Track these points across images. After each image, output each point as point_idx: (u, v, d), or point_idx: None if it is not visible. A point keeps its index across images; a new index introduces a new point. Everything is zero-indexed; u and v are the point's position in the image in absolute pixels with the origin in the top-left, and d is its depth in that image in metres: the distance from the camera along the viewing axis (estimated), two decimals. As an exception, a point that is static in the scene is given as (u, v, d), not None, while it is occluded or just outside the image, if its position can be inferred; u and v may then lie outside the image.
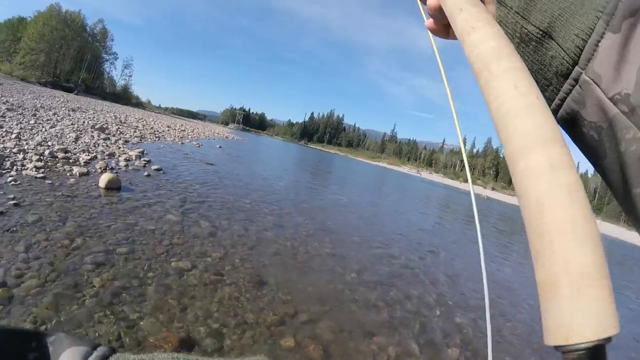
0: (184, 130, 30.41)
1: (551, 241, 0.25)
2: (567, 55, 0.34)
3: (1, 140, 7.66)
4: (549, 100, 0.37)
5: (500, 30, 0.39)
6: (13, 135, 8.42)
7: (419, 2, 0.53)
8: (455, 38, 0.45)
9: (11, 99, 17.33)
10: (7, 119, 10.69)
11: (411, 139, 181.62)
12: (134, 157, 9.98)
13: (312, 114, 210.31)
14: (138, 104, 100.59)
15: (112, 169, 7.94)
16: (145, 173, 8.34)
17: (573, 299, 0.23)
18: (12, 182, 5.33)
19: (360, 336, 3.58)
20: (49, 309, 2.76)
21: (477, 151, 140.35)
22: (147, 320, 2.95)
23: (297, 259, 5.36)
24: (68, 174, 6.63)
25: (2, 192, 4.78)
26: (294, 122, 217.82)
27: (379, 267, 6.02)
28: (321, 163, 41.32)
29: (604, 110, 0.31)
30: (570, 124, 0.36)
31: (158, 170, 9.16)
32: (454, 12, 0.43)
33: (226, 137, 42.01)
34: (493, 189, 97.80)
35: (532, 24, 0.37)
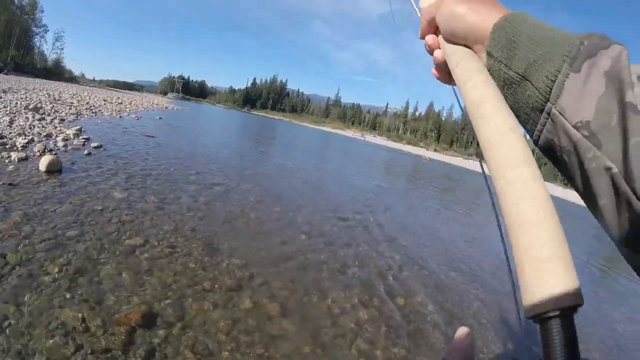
0: (122, 103, 28.97)
1: (525, 233, 0.33)
2: (540, 93, 0.40)
3: None
4: (530, 132, 0.44)
5: (488, 79, 0.47)
6: None
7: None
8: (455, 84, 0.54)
9: None
10: None
11: (355, 103, 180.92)
12: (72, 136, 9.53)
13: (255, 79, 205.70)
14: (71, 79, 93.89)
15: (51, 150, 7.54)
16: (86, 152, 8.03)
17: (541, 279, 0.30)
18: None
19: (314, 291, 3.79)
20: (8, 303, 2.73)
21: (420, 114, 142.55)
22: (107, 300, 2.98)
23: (248, 225, 5.47)
24: (6, 160, 6.26)
25: None
26: (236, 89, 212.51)
27: (326, 227, 6.24)
28: (265, 129, 40.92)
29: (570, 136, 0.37)
30: (548, 150, 0.42)
31: (98, 147, 8.85)
32: (454, 64, 0.52)
33: (166, 107, 40.48)
34: (435, 150, 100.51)
35: (512, 70, 0.44)
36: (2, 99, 15.33)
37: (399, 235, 6.79)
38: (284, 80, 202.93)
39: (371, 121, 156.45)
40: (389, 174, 21.23)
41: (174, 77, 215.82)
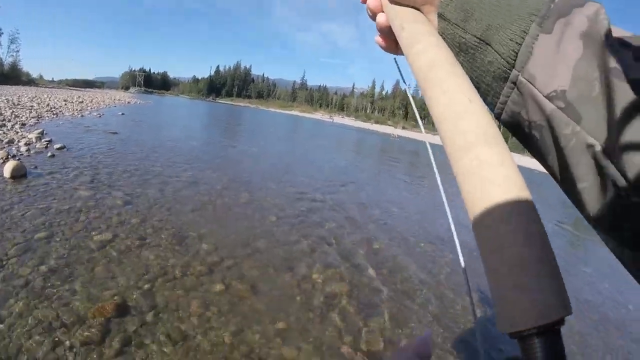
0: (82, 102, 28.51)
1: (492, 235, 0.27)
2: (504, 59, 0.36)
3: None
4: (492, 105, 0.39)
5: (440, 41, 0.42)
6: None
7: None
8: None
9: None
10: None
11: (322, 85, 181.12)
12: (34, 140, 9.42)
13: (218, 67, 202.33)
14: (29, 82, 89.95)
15: (14, 156, 7.44)
16: (49, 154, 7.94)
17: (519, 288, 0.25)
18: None
19: (284, 270, 3.94)
20: None
21: (387, 93, 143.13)
22: (80, 295, 3.05)
23: (216, 211, 5.57)
24: None
25: None
26: (200, 78, 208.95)
27: (294, 209, 6.36)
28: (231, 117, 40.56)
29: (542, 108, 0.33)
30: (514, 125, 0.38)
31: (61, 148, 8.78)
32: (399, 28, 0.46)
33: (128, 102, 39.74)
34: (404, 127, 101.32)
35: (469, 33, 0.39)
36: (-45, 113, 14.94)
37: (368, 212, 7.00)
38: (248, 67, 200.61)
39: (339, 102, 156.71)
40: (358, 154, 21.46)
41: (134, 70, 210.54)
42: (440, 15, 0.42)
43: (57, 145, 8.88)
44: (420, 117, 0.55)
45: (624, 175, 0.26)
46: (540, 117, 0.33)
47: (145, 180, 6.82)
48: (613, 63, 0.29)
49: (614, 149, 0.27)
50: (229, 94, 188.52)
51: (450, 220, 0.41)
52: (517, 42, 0.34)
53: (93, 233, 4.19)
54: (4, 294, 2.97)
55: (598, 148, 0.28)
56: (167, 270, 3.58)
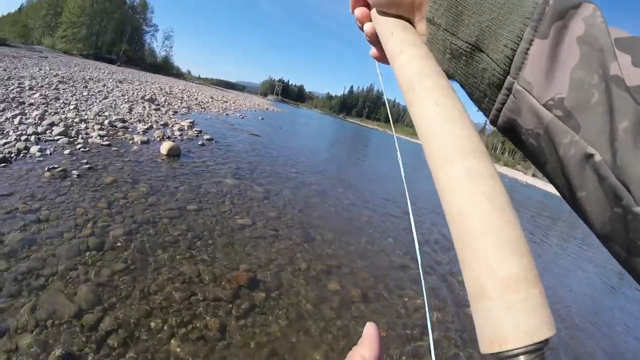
0: (227, 102, 30.66)
1: (476, 251, 0.26)
2: (498, 66, 0.34)
3: (62, 111, 8.38)
4: (487, 112, 0.38)
5: (426, 51, 0.41)
6: (71, 106, 9.09)
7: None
8: None
9: (60, 72, 17.97)
10: (61, 91, 11.41)
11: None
12: (186, 127, 10.62)
13: (352, 87, 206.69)
14: (179, 75, 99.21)
15: (169, 137, 8.59)
16: (199, 142, 9.01)
17: (503, 306, 0.24)
18: (82, 149, 6.01)
19: (394, 289, 4.17)
20: (136, 252, 3.46)
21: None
22: (219, 263, 3.65)
23: (341, 222, 5.97)
24: (130, 142, 7.40)
25: (75, 158, 5.49)
26: (333, 95, 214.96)
27: (404, 240, 6.21)
28: (358, 136, 41.13)
29: (539, 117, 0.32)
30: (510, 132, 0.36)
31: (210, 140, 9.80)
32: (386, 37, 0.45)
33: (266, 108, 41.96)
34: (534, 175, 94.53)
35: (460, 39, 0.38)
36: (120, 88, 17.16)
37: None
38: (380, 90, 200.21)
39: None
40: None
41: (274, 79, 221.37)
42: (430, 21, 0.41)
43: (206, 136, 9.96)
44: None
45: (624, 185, 0.25)
46: (537, 125, 0.32)
47: (282, 181, 7.48)
48: (612, 69, 0.28)
49: (614, 159, 0.26)
50: (359, 114, 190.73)
51: (416, 240, 0.43)
52: (511, 48, 0.33)
53: (236, 216, 4.87)
54: (153, 246, 3.66)
55: (598, 158, 0.27)
56: (293, 261, 4.07)
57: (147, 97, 15.30)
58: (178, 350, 2.48)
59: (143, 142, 7.52)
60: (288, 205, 5.97)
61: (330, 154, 15.82)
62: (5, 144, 5.25)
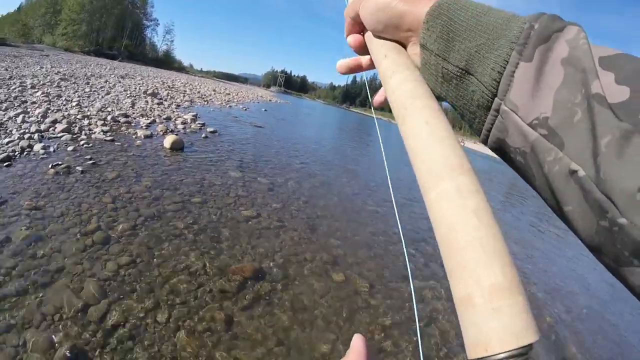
0: (229, 94, 30.71)
1: (463, 262, 0.28)
2: (486, 88, 0.36)
3: (64, 108, 8.46)
4: (478, 131, 0.40)
5: (418, 74, 0.43)
6: (74, 103, 9.21)
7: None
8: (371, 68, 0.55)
9: (61, 69, 18.07)
10: (63, 88, 11.52)
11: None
12: (189, 121, 10.68)
13: (355, 77, 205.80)
14: (181, 69, 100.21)
15: (172, 131, 8.66)
16: (203, 135, 9.06)
17: (488, 313, 0.25)
18: (85, 145, 6.08)
19: (400, 279, 4.15)
20: (142, 246, 3.49)
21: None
22: (225, 255, 3.68)
23: (346, 212, 5.96)
24: (133, 136, 7.48)
25: (78, 154, 5.55)
26: (336, 85, 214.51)
27: (421, 227, 6.17)
28: (362, 126, 40.95)
29: (525, 135, 0.33)
30: (500, 150, 0.38)
31: (213, 132, 9.85)
32: (379, 59, 0.48)
33: (269, 100, 41.89)
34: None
35: (451, 64, 0.39)
36: (122, 84, 17.26)
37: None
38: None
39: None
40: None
41: (276, 71, 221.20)
42: (423, 46, 0.43)
43: (210, 129, 10.00)
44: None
45: (609, 197, 0.26)
46: (524, 144, 0.34)
47: (285, 172, 7.50)
48: (594, 88, 0.29)
49: (598, 173, 0.27)
50: (363, 104, 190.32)
51: (403, 241, 0.48)
52: (498, 71, 0.34)
53: (241, 208, 4.90)
54: (159, 239, 3.69)
55: (582, 173, 0.28)
56: (298, 252, 4.08)
57: (149, 92, 15.39)
58: (185, 342, 2.50)
59: (146, 137, 7.58)
60: (292, 196, 5.99)
61: (334, 144, 15.80)
62: (8, 142, 5.28)
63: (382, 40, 0.48)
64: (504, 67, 0.34)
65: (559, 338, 3.95)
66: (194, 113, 12.05)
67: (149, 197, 4.59)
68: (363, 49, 0.55)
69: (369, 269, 4.16)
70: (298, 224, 4.84)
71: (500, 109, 0.35)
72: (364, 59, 0.57)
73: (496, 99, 0.35)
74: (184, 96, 18.58)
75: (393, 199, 0.49)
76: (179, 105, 14.29)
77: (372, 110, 0.66)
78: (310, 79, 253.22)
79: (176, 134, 7.96)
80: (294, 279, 3.56)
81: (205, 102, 18.80)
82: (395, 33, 0.47)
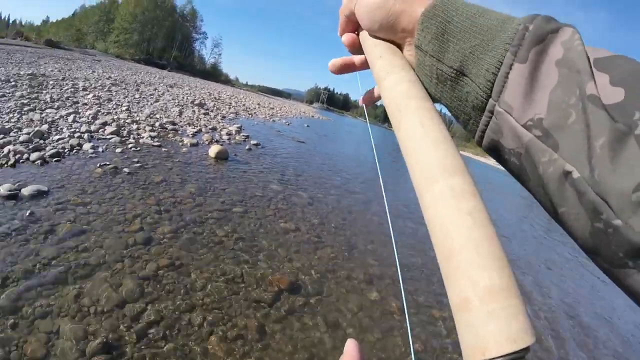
0: (273, 108, 31.12)
1: (458, 264, 0.28)
2: (480, 89, 0.36)
3: (114, 112, 8.79)
4: (472, 133, 0.40)
5: (412, 75, 0.43)
6: (124, 108, 9.56)
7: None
8: (364, 68, 0.55)
9: (112, 75, 18.80)
10: (114, 93, 11.99)
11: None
12: (233, 132, 10.88)
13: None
14: (227, 81, 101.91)
15: (217, 141, 8.82)
16: (247, 147, 9.22)
17: (485, 316, 0.25)
18: (133, 148, 6.29)
19: (435, 301, 4.03)
20: (182, 249, 3.54)
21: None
22: (263, 264, 3.68)
23: (384, 233, 5.82)
24: (180, 143, 7.68)
25: (126, 156, 5.74)
26: (379, 104, 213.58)
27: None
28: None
29: (519, 137, 0.33)
30: (495, 152, 0.38)
31: (257, 145, 9.98)
32: (374, 59, 0.47)
33: (312, 116, 42.17)
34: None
35: (446, 65, 0.39)
36: (170, 92, 17.83)
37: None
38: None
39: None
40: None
41: (320, 88, 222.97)
42: (418, 47, 0.43)
43: (253, 142, 10.15)
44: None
45: (603, 199, 0.26)
46: (518, 145, 0.34)
47: (326, 189, 7.50)
48: (588, 89, 0.29)
49: (592, 175, 0.27)
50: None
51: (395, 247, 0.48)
52: (492, 72, 0.35)
53: (280, 220, 4.91)
54: (199, 244, 3.74)
55: (576, 174, 0.28)
56: (335, 269, 4.03)
57: (196, 102, 15.81)
58: (216, 347, 2.49)
59: (192, 145, 7.76)
60: (331, 213, 5.95)
61: (374, 163, 15.67)
62: (59, 139, 5.52)
63: (377, 40, 0.49)
64: (498, 68, 0.34)
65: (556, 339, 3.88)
66: (239, 125, 12.25)
67: (192, 203, 4.67)
68: (357, 49, 0.55)
69: (409, 291, 4.06)
70: (336, 241, 4.80)
71: (494, 110, 0.35)
72: (357, 58, 0.56)
73: (490, 100, 0.35)
74: (229, 108, 18.96)
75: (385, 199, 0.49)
76: (224, 117, 14.59)
77: (365, 114, 0.65)
78: (352, 97, 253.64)
79: (221, 144, 8.10)
80: (328, 295, 3.51)
81: (250, 115, 19.13)
82: (391, 33, 0.47)
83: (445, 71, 0.39)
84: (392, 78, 0.43)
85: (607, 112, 0.27)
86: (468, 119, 0.40)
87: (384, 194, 0.48)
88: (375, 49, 0.48)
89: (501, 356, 0.24)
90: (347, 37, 0.55)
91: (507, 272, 0.27)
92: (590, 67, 0.30)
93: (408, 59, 0.46)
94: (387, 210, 0.54)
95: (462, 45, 0.38)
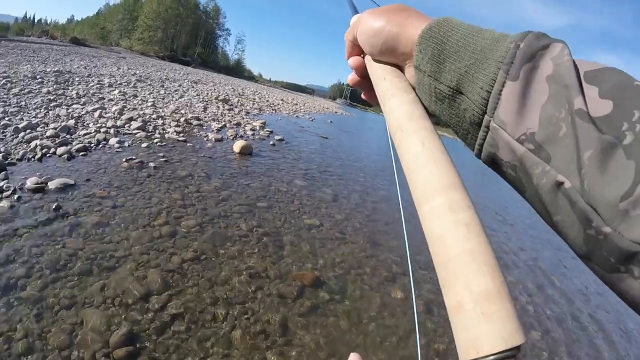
0: (296, 104, 31.10)
1: (454, 270, 0.30)
2: (476, 106, 0.37)
3: (140, 108, 8.93)
4: (471, 146, 0.41)
5: (414, 97, 0.46)
6: (149, 103, 9.74)
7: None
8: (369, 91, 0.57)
9: (137, 71, 19.11)
10: (139, 89, 12.21)
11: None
12: (258, 128, 10.94)
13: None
14: (250, 77, 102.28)
15: (241, 136, 8.92)
16: (271, 142, 9.27)
17: (479, 318, 0.27)
18: (159, 143, 6.39)
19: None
20: (206, 243, 3.56)
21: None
22: (287, 260, 3.68)
23: (407, 231, 5.75)
24: (204, 138, 7.79)
25: (152, 151, 5.85)
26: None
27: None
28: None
29: (514, 150, 0.34)
30: (493, 164, 0.39)
31: (281, 140, 10.02)
32: (378, 81, 0.51)
33: (335, 112, 41.72)
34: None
35: (443, 84, 0.41)
36: (195, 89, 18.05)
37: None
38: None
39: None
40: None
41: (343, 84, 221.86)
42: (417, 68, 0.45)
43: (277, 137, 10.18)
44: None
45: (593, 207, 0.28)
46: (513, 158, 0.35)
47: (350, 185, 7.45)
48: (576, 103, 0.30)
49: (582, 185, 0.28)
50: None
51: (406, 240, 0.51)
52: (486, 90, 0.36)
53: (304, 216, 4.89)
54: (223, 238, 3.75)
55: (568, 185, 0.30)
56: (358, 266, 3.99)
57: (220, 98, 15.95)
58: (239, 341, 2.49)
59: (217, 140, 7.84)
60: (355, 209, 5.90)
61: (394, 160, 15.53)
62: (85, 134, 5.65)
63: (380, 64, 0.51)
64: (492, 86, 0.36)
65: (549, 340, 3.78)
66: (263, 120, 12.32)
67: (216, 197, 4.70)
68: (363, 71, 0.57)
69: (429, 290, 4.00)
70: (360, 238, 4.75)
71: (490, 125, 0.37)
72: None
73: (486, 116, 0.37)
74: (253, 104, 19.09)
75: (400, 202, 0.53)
76: (248, 112, 14.70)
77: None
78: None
79: (245, 140, 8.17)
80: (352, 292, 3.48)
81: (274, 111, 19.24)
82: (391, 57, 0.49)
83: (443, 90, 0.41)
84: (395, 100, 0.46)
85: (595, 124, 0.29)
86: (466, 133, 0.41)
87: (399, 194, 0.52)
88: (378, 72, 0.51)
89: (494, 354, 0.25)
90: (354, 61, 0.58)
91: (499, 277, 0.29)
92: (580, 80, 0.32)
93: (409, 79, 0.49)
94: (402, 213, 0.59)
95: (457, 64, 0.39)
